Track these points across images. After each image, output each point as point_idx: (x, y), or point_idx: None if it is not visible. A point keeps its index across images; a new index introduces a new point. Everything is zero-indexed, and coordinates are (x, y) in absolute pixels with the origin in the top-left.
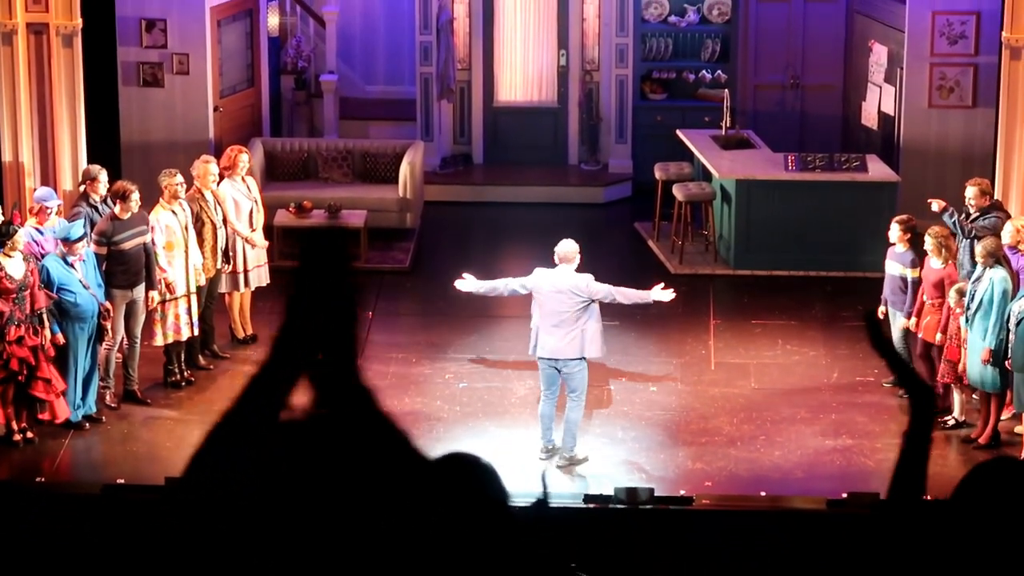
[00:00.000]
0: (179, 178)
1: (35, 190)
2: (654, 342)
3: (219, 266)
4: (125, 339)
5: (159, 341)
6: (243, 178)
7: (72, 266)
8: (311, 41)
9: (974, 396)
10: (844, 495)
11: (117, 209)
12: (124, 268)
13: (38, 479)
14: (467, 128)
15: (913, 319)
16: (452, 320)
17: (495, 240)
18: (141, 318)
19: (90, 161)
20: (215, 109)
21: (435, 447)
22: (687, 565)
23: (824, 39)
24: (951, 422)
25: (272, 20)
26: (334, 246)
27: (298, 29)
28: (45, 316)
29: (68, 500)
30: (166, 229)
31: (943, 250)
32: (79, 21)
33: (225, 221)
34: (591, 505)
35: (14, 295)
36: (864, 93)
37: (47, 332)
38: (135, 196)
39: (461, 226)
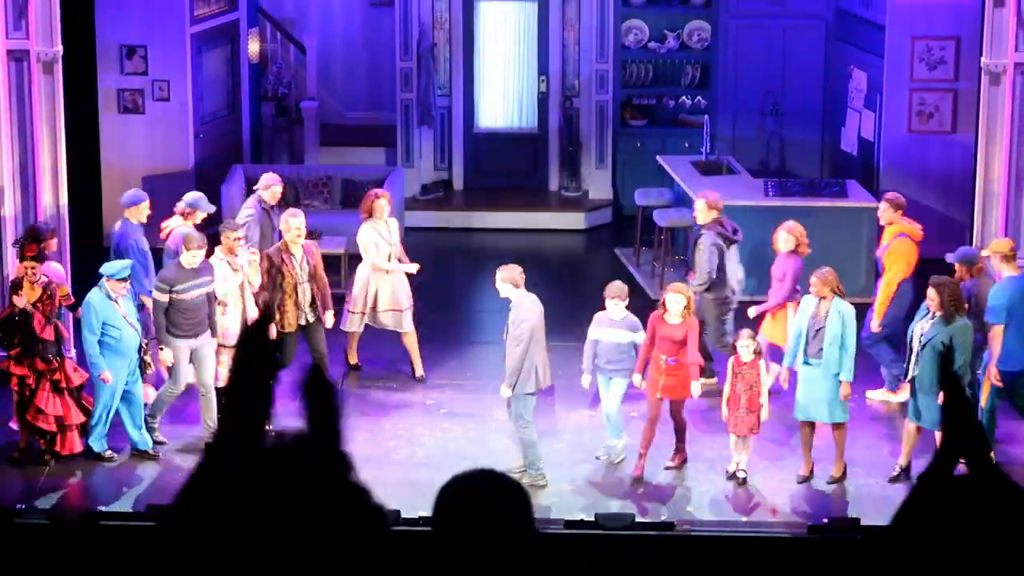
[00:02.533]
0: (239, 232)
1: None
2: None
3: (305, 321)
4: (201, 388)
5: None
6: (385, 221)
7: (116, 301)
8: (292, 68)
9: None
10: (825, 520)
11: (183, 258)
12: (185, 317)
13: (18, 505)
14: (448, 154)
15: (635, 378)
16: (432, 346)
17: (476, 266)
18: (209, 366)
19: (71, 189)
20: (196, 135)
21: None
22: None
23: (804, 65)
24: (742, 474)
25: (253, 47)
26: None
27: (278, 56)
28: (57, 347)
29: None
30: (222, 280)
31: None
32: (59, 48)
33: (312, 276)
34: (572, 531)
35: (14, 319)
36: (844, 119)
37: (64, 363)
38: (195, 247)
39: (442, 252)
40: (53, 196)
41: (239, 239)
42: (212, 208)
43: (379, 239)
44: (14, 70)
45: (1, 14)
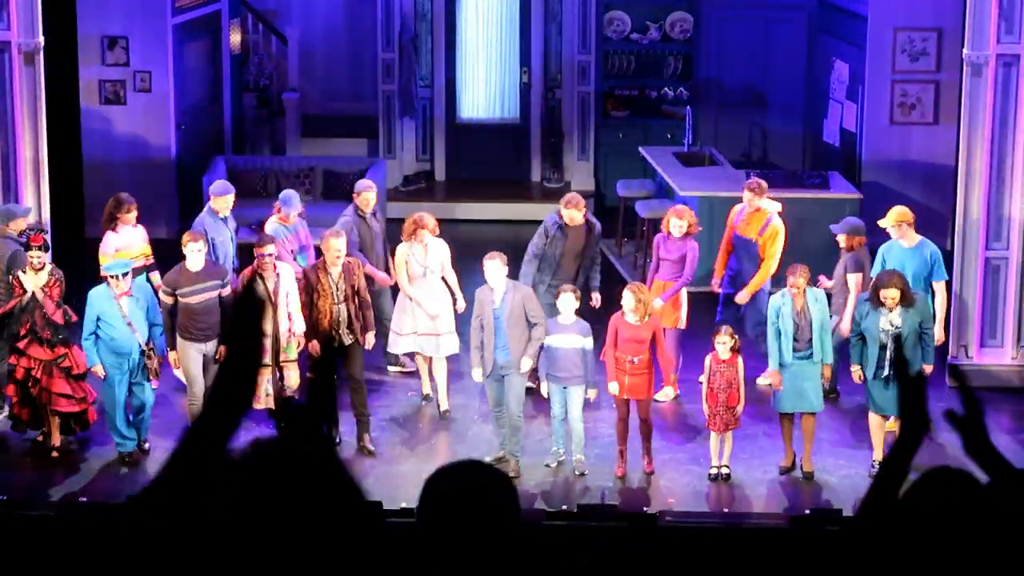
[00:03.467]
0: (270, 248)
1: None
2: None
3: (339, 343)
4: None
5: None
6: (423, 243)
7: (119, 299)
8: (273, 59)
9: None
10: (807, 511)
11: (187, 260)
12: (194, 321)
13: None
14: (430, 145)
15: (611, 386)
16: None
17: (458, 256)
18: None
19: (52, 180)
20: (178, 126)
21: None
22: None
23: (786, 56)
24: (725, 471)
25: (234, 38)
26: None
27: (260, 47)
28: (65, 333)
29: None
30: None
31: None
32: (41, 39)
33: (351, 297)
34: (554, 522)
35: (23, 305)
36: (826, 110)
37: (71, 351)
38: (192, 248)
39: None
40: (34, 187)
41: (262, 253)
42: (300, 207)
43: (410, 258)
44: None
45: None
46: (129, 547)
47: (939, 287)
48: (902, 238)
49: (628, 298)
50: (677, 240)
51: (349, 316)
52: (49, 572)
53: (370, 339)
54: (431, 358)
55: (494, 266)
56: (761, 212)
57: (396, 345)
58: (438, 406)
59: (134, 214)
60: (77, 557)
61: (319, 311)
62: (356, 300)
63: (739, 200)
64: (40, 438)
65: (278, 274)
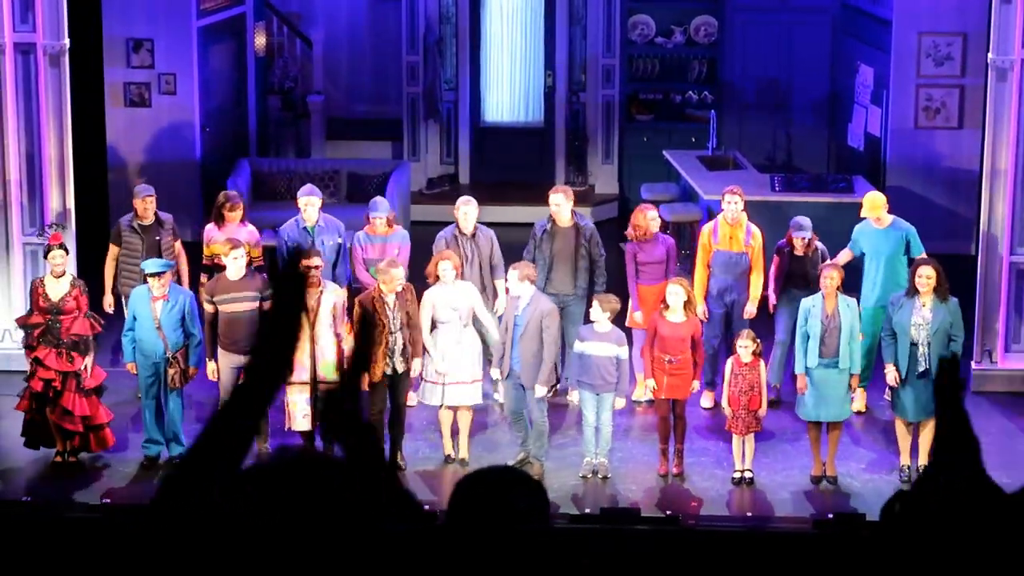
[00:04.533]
0: (316, 260)
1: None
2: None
3: (392, 371)
4: None
5: (286, 425)
6: (454, 284)
7: (154, 302)
8: (298, 61)
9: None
10: (830, 516)
11: (227, 269)
12: (226, 331)
13: (24, 498)
14: (454, 148)
15: (649, 383)
16: None
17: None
18: None
19: (76, 182)
20: (202, 129)
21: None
22: None
23: (810, 60)
24: (748, 475)
25: (259, 40)
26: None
27: (285, 49)
28: (88, 344)
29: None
30: None
31: (691, 303)
32: (66, 41)
33: (405, 324)
34: (577, 525)
35: (48, 315)
36: (850, 114)
37: (86, 361)
38: (232, 256)
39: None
40: (59, 189)
41: (309, 267)
42: (383, 213)
43: (438, 304)
44: (21, 63)
45: (8, 7)
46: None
47: (918, 260)
48: (876, 221)
49: (676, 294)
50: (652, 240)
51: (404, 343)
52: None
53: (416, 366)
54: (455, 411)
55: (512, 278)
56: (740, 220)
57: (422, 394)
58: (454, 453)
59: (239, 212)
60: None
61: (374, 341)
62: (409, 326)
63: (761, 204)
64: (58, 458)
65: (322, 291)
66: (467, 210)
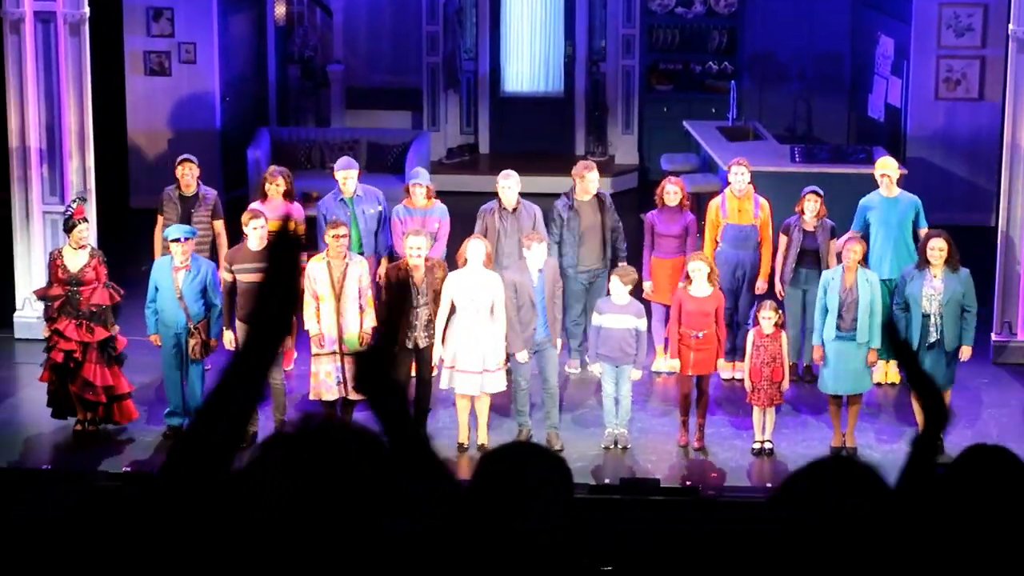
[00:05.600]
0: (342, 230)
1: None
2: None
3: (414, 344)
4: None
5: (312, 395)
6: (475, 276)
7: (175, 272)
8: (318, 30)
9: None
10: None
11: (248, 239)
12: (243, 301)
13: (44, 466)
14: (474, 118)
15: (665, 358)
16: None
17: None
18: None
19: (97, 151)
20: (223, 99)
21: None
22: (691, 555)
23: (831, 31)
24: (768, 445)
25: (279, 9)
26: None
27: (305, 18)
28: (107, 315)
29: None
30: (312, 279)
31: (710, 276)
32: (86, 10)
33: (432, 301)
34: (597, 496)
35: (67, 286)
36: (871, 85)
37: (112, 330)
38: (253, 226)
39: (467, 216)
40: (79, 158)
41: (337, 236)
42: (424, 182)
43: (457, 290)
44: (41, 32)
45: None
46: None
47: (922, 234)
48: (886, 190)
49: (699, 268)
50: (673, 211)
51: (429, 318)
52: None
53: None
54: (472, 398)
55: (541, 249)
56: (747, 192)
57: (442, 378)
58: (467, 444)
59: (278, 186)
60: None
61: (394, 312)
62: (437, 302)
63: (781, 175)
64: (79, 427)
65: (348, 262)
66: (507, 184)
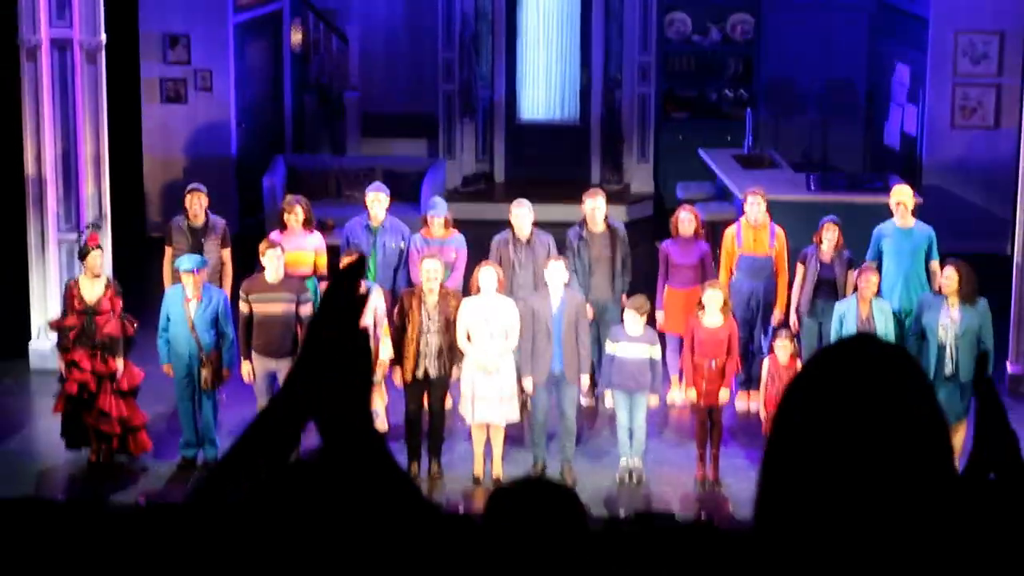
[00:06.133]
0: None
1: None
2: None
3: (424, 373)
4: None
5: None
6: (488, 303)
7: (187, 303)
8: (334, 58)
9: None
10: None
11: (266, 270)
12: (258, 332)
13: (58, 496)
14: (489, 146)
15: (680, 389)
16: None
17: None
18: None
19: (112, 178)
20: (238, 125)
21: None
22: None
23: (846, 59)
24: None
25: (295, 36)
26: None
27: (321, 46)
28: (118, 346)
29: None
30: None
31: (724, 305)
32: (103, 37)
33: (443, 328)
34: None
35: (83, 316)
36: (887, 113)
37: (117, 363)
38: (269, 256)
39: (482, 244)
40: (95, 185)
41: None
42: (442, 214)
43: (471, 318)
44: (57, 59)
45: (45, 3)
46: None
47: (934, 265)
48: (901, 219)
49: (713, 298)
50: (688, 241)
51: (440, 347)
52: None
53: (456, 373)
54: (488, 428)
55: (558, 268)
56: (763, 222)
57: (463, 409)
58: (482, 477)
59: (296, 216)
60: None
61: (407, 339)
62: (449, 331)
63: (797, 204)
64: (94, 458)
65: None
66: (519, 213)
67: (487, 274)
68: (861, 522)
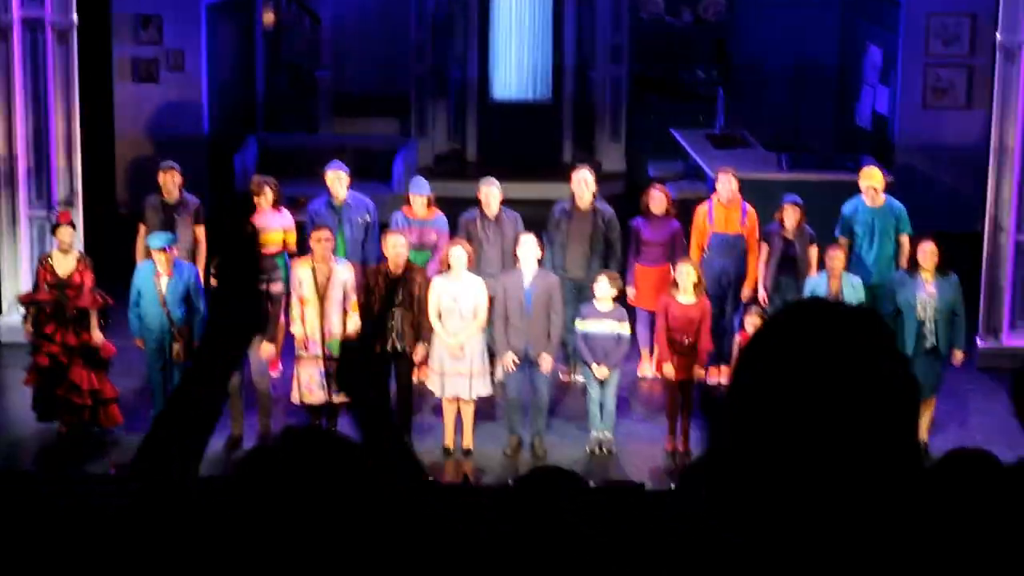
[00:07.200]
0: (325, 234)
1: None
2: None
3: (392, 348)
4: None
5: (294, 398)
6: (459, 280)
7: (159, 276)
8: (306, 37)
9: None
10: None
11: None
12: None
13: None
14: (461, 125)
15: (651, 363)
16: None
17: None
18: (254, 366)
19: (84, 157)
20: (209, 105)
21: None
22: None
23: (819, 40)
24: None
25: (267, 16)
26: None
27: (293, 25)
28: (93, 318)
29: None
30: (298, 284)
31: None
32: (75, 17)
33: (408, 303)
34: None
35: (55, 290)
36: (859, 93)
37: (94, 335)
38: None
39: (454, 222)
40: (67, 164)
41: (320, 240)
42: (424, 193)
43: (441, 295)
44: (29, 39)
45: None
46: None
47: (904, 239)
48: (871, 199)
49: (686, 275)
50: (659, 219)
51: (406, 323)
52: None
53: (420, 351)
54: (458, 401)
55: (529, 244)
56: (734, 200)
57: (432, 384)
58: (453, 449)
59: (266, 197)
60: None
61: (373, 314)
62: (414, 307)
63: (769, 183)
64: (63, 431)
65: (332, 267)
66: (488, 191)
67: (457, 253)
68: (815, 485)
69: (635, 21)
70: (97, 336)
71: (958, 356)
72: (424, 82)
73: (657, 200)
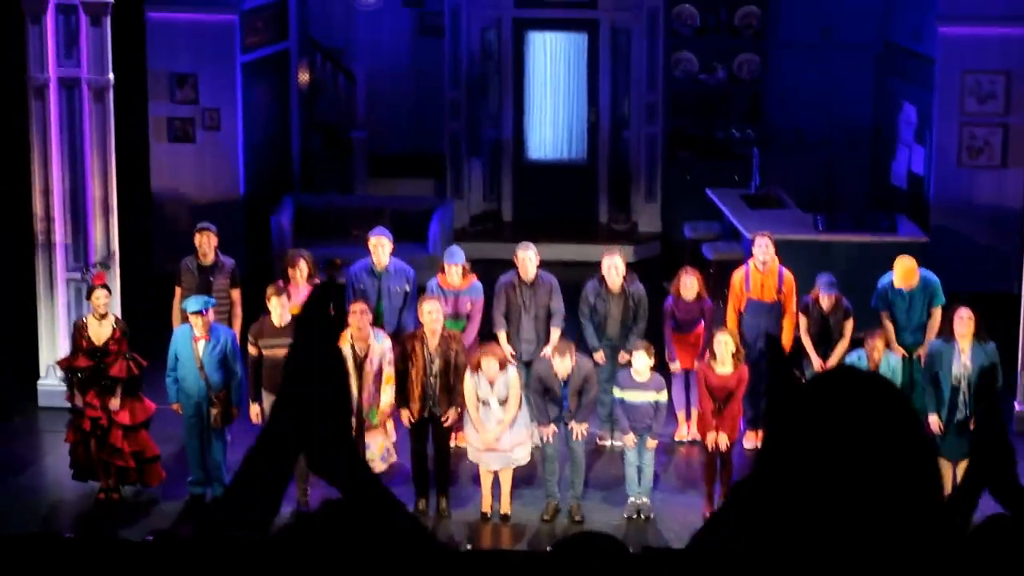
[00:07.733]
0: (361, 306)
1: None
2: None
3: (429, 413)
4: None
5: None
6: (489, 379)
7: (196, 341)
8: (341, 97)
9: None
10: None
11: (271, 314)
12: (269, 374)
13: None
14: (496, 185)
15: (688, 429)
16: None
17: None
18: None
19: (120, 218)
20: (246, 165)
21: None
22: None
23: (853, 98)
24: None
25: (303, 76)
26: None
27: (328, 85)
28: (119, 387)
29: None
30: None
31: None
32: (111, 76)
33: (444, 371)
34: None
35: (94, 359)
36: (894, 152)
37: (115, 401)
38: (274, 302)
39: (490, 284)
40: (103, 225)
41: (355, 313)
42: (459, 262)
43: (474, 391)
44: (65, 98)
45: (52, 42)
46: None
47: (936, 311)
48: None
49: (724, 345)
50: (691, 303)
51: (443, 388)
52: None
53: (452, 415)
54: (496, 471)
55: (565, 364)
56: (770, 266)
57: (471, 455)
58: (489, 510)
59: (302, 270)
60: None
61: (411, 381)
62: (452, 374)
63: (804, 244)
64: (102, 496)
65: (371, 342)
66: (525, 255)
67: (489, 364)
68: (843, 543)
69: (670, 80)
70: (115, 404)
71: (933, 421)
72: (459, 142)
73: (688, 286)
